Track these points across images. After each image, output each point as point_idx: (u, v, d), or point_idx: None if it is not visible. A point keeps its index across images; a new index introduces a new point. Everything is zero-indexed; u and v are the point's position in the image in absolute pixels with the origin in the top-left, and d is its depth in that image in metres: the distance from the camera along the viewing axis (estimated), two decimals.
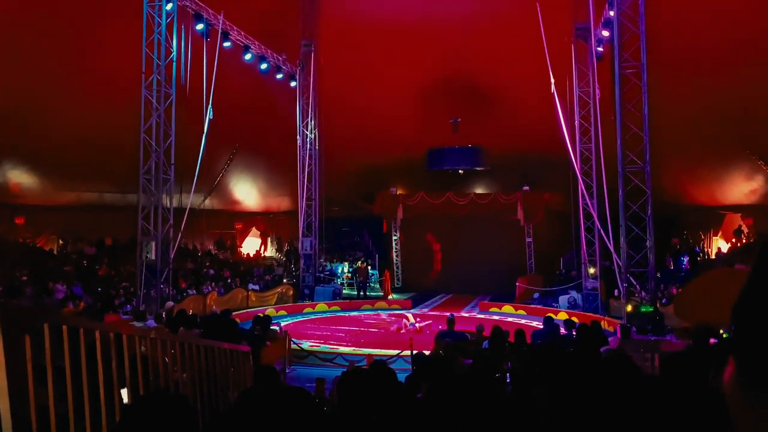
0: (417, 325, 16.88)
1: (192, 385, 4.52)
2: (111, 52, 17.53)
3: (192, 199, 17.76)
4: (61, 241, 21.45)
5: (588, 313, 18.25)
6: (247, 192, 27.68)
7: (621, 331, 12.64)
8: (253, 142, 24.00)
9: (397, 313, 20.66)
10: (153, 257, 16.11)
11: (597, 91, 17.30)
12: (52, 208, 20.60)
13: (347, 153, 25.01)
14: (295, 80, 23.64)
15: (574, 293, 20.82)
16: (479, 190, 27.66)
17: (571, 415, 2.76)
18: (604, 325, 13.88)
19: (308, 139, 23.55)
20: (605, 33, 17.61)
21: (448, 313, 12.66)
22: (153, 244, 16.13)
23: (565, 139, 17.52)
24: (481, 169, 25.99)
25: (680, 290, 16.26)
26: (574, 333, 10.63)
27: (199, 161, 16.96)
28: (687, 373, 3.87)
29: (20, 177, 19.56)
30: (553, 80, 17.25)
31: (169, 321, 11.01)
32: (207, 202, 25.49)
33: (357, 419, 2.83)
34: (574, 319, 12.52)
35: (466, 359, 7.21)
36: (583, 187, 18.35)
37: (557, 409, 2.80)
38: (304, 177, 23.47)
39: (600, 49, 18.36)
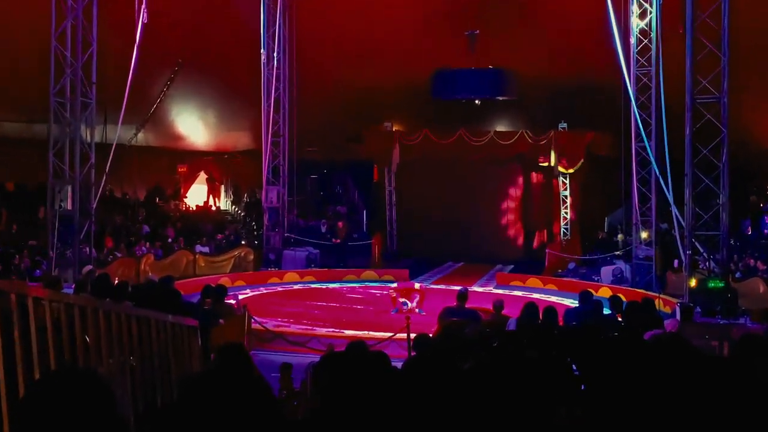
0: (412, 305, 16.78)
1: (121, 369, 4.54)
2: None
3: (120, 132, 17.56)
4: None
5: (638, 289, 18.40)
6: (193, 124, 27.43)
7: (681, 311, 12.77)
8: (202, 56, 23.63)
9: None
10: (69, 207, 16.02)
11: None
12: None
13: (328, 74, 24.69)
14: None
15: (620, 263, 20.97)
16: (501, 128, 27.45)
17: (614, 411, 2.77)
18: (658, 304, 14.00)
19: (275, 55, 23.18)
20: None
21: (458, 287, 12.71)
22: (69, 189, 16.01)
23: (618, 59, 17.32)
24: (505, 98, 25.77)
25: None
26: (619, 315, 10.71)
27: (129, 81, 16.71)
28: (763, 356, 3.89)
29: None
30: None
31: (94, 290, 10.98)
32: (140, 136, 25.29)
33: (341, 420, 2.82)
34: (621, 296, 12.58)
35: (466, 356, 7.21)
36: (639, 124, 18.25)
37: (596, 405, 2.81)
38: (269, 106, 23.22)
39: None
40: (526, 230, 28.30)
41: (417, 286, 17.12)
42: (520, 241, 28.43)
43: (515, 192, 28.82)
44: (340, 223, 26.05)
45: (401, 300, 17.04)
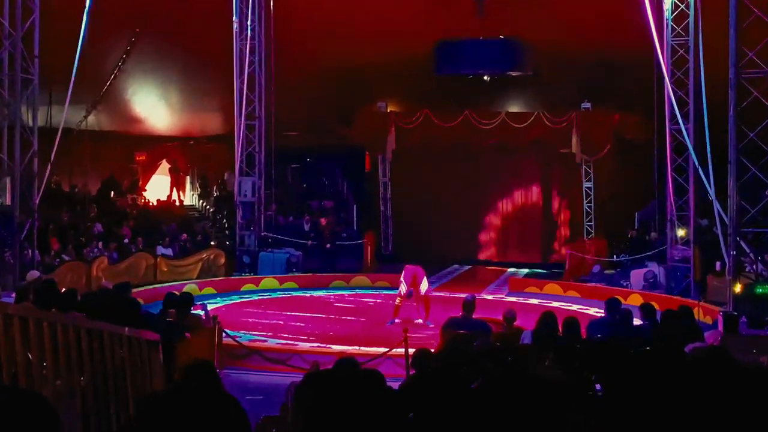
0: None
1: (69, 390, 4.53)
2: None
3: (68, 115, 17.48)
4: None
5: (674, 296, 18.51)
6: (153, 105, 27.38)
7: (724, 322, 12.80)
8: (164, 24, 23.56)
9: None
10: (8, 203, 16.00)
11: None
12: None
13: (311, 46, 24.65)
14: None
15: (653, 266, 21.04)
16: (514, 109, 27.48)
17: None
18: (697, 313, 14.04)
19: (249, 23, 23.12)
20: None
21: (464, 295, 12.72)
22: (7, 182, 15.99)
23: (650, 28, 17.32)
24: (519, 74, 25.78)
25: None
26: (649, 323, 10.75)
27: (78, 54, 16.68)
28: None
29: None
30: None
31: (37, 299, 10.96)
32: (91, 119, 25.21)
33: None
34: (654, 304, 12.65)
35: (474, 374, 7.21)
36: (674, 104, 18.29)
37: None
38: (242, 83, 23.19)
39: None
40: (544, 228, 28.31)
41: (424, 288, 16.95)
42: (537, 240, 28.44)
43: (530, 184, 28.81)
44: (324, 220, 26.02)
45: (406, 289, 16.80)
